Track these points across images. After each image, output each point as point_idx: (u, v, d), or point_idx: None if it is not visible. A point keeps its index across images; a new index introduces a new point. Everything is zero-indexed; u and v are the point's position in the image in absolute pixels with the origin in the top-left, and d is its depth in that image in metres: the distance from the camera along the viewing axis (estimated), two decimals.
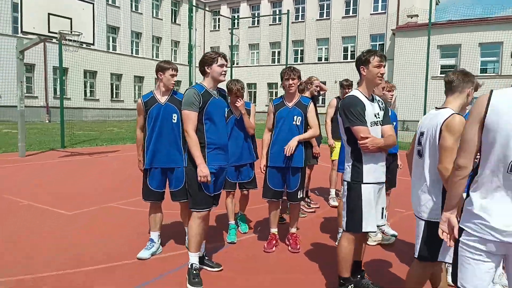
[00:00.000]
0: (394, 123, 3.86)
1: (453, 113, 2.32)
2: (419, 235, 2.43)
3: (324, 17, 32.55)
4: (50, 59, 23.66)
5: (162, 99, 3.70)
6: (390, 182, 4.04)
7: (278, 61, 34.66)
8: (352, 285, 2.97)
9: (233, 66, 20.98)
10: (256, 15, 35.48)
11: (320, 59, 33.04)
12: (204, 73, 3.26)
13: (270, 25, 34.76)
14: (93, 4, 10.17)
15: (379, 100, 3.04)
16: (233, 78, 4.29)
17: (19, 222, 4.79)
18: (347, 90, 5.56)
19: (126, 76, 30.06)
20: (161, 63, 3.70)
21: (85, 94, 27.98)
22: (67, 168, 8.75)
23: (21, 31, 8.49)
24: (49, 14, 8.82)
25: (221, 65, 3.22)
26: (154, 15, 33.26)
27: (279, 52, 34.84)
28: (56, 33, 8.97)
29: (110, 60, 27.55)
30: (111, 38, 29.72)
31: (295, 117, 3.90)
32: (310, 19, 32.95)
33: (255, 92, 35.98)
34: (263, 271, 3.54)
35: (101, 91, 28.41)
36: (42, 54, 23.33)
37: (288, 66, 4.31)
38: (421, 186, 2.42)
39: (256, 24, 36.00)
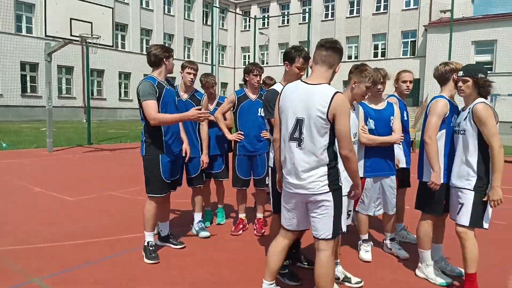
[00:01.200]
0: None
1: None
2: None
3: (354, 14, 32.15)
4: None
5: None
6: (403, 182, 4.15)
7: None
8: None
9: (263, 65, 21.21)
10: (286, 14, 35.62)
11: (349, 57, 32.63)
12: (158, 65, 3.58)
13: (299, 24, 34.75)
14: (113, 8, 10.86)
15: None
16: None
17: (24, 204, 5.36)
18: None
19: None
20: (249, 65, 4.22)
21: (120, 95, 29.34)
22: (85, 162, 9.45)
23: (45, 35, 9.27)
24: (71, 18, 9.54)
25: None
26: (186, 17, 34.20)
27: (308, 51, 34.79)
28: (77, 36, 9.69)
29: (143, 61, 28.66)
30: (144, 41, 30.93)
31: (259, 109, 4.17)
32: (339, 17, 32.66)
33: None
34: (223, 249, 3.85)
35: (134, 92, 29.64)
36: (80, 57, 24.74)
37: (252, 62, 4.54)
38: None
39: (286, 24, 36.13)
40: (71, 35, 9.59)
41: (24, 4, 23.14)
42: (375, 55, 31.48)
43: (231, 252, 3.82)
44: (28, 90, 23.80)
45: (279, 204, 2.76)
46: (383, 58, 30.69)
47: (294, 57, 3.14)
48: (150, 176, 3.54)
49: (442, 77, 3.33)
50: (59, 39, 9.70)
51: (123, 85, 29.71)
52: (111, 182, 7.09)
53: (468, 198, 2.95)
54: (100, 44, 10.16)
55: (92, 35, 9.93)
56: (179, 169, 3.83)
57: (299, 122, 2.45)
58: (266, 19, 36.90)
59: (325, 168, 2.44)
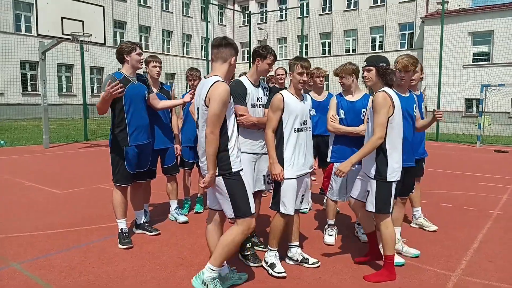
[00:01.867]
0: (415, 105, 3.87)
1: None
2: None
3: (352, 7, 32.12)
4: (87, 59, 25.29)
5: None
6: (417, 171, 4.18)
7: (306, 54, 34.65)
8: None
9: (250, 61, 21.35)
10: (284, 8, 35.62)
11: (347, 50, 32.68)
12: (122, 61, 3.81)
13: (297, 18, 34.74)
14: (103, 7, 11.03)
15: (265, 87, 3.51)
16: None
17: (13, 197, 5.59)
18: None
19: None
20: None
21: None
22: (80, 158, 9.68)
23: (37, 34, 9.48)
24: (62, 17, 9.73)
25: (139, 54, 3.83)
26: (184, 14, 34.30)
27: (306, 45, 34.81)
28: (69, 35, 9.88)
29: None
30: (143, 38, 31.09)
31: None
32: (337, 11, 32.65)
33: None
34: (195, 235, 4.06)
35: None
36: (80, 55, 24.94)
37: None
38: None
39: (284, 18, 36.15)
40: (62, 34, 9.78)
41: (23, 3, 23.40)
42: (373, 48, 31.45)
43: (201, 237, 4.03)
44: (29, 88, 24.11)
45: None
46: (381, 50, 30.67)
47: (266, 54, 3.37)
48: (115, 167, 3.78)
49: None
50: (51, 38, 9.90)
51: None
52: (102, 176, 7.31)
53: (372, 186, 3.14)
54: (92, 42, 10.35)
55: (83, 33, 10.13)
56: (147, 161, 4.03)
57: (198, 111, 2.80)
58: (264, 14, 36.96)
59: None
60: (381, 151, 3.09)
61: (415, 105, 3.60)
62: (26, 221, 4.56)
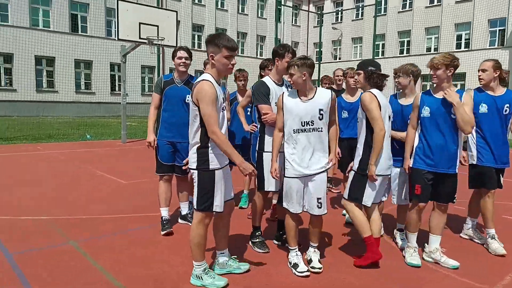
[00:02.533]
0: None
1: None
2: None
3: (435, 3, 30.13)
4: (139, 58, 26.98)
5: None
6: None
7: (382, 54, 33.30)
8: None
9: (321, 62, 21.13)
10: (360, 7, 34.58)
11: (429, 49, 30.73)
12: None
13: (373, 16, 33.49)
14: (177, 12, 11.78)
15: (288, 85, 3.61)
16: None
17: (85, 184, 6.30)
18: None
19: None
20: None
21: None
22: (150, 152, 10.48)
23: (118, 39, 10.46)
24: (140, 23, 10.63)
25: (179, 57, 4.16)
26: (259, 15, 34.95)
27: (383, 45, 33.45)
28: (145, 39, 10.76)
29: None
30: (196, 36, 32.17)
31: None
32: (417, 7, 30.88)
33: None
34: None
35: None
36: (155, 57, 26.84)
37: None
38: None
39: (360, 17, 35.06)
40: (139, 38, 10.67)
41: (112, 10, 25.87)
42: (458, 46, 29.20)
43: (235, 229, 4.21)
44: (116, 88, 26.50)
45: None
46: (467, 49, 28.39)
47: (283, 53, 3.45)
48: (156, 157, 4.27)
49: None
50: (130, 42, 10.86)
51: None
52: None
53: (351, 176, 3.45)
54: (165, 45, 11.14)
55: (158, 37, 10.94)
56: (176, 156, 4.27)
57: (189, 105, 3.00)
58: (340, 13, 36.24)
59: (195, 149, 2.90)
60: (368, 148, 3.31)
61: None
62: (90, 206, 5.14)
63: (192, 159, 2.94)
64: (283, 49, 3.46)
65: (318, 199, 3.23)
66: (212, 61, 2.86)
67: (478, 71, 3.97)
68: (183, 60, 4.13)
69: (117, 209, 4.99)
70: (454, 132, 3.37)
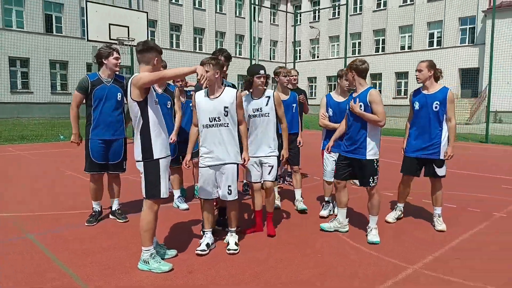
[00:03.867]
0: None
1: None
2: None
3: (408, 2, 30.89)
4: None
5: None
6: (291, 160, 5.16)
7: (359, 52, 33.92)
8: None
9: (295, 61, 21.50)
10: (336, 6, 35.13)
11: (403, 47, 31.50)
12: (101, 64, 4.25)
13: (350, 15, 34.07)
14: (147, 13, 11.92)
15: (228, 85, 3.95)
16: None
17: (51, 183, 6.45)
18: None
19: None
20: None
21: None
22: None
23: (87, 40, 10.55)
24: (109, 24, 10.73)
25: (116, 58, 4.23)
26: (237, 15, 35.12)
27: (359, 43, 34.07)
28: (115, 39, 10.86)
29: (197, 60, 30.05)
30: (197, 39, 32.37)
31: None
32: (391, 6, 31.60)
33: (315, 86, 36.48)
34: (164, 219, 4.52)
35: None
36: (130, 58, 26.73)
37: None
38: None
39: (336, 16, 35.59)
40: (110, 39, 10.78)
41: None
42: (431, 44, 30.05)
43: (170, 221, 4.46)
44: None
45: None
46: (439, 47, 29.23)
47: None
48: (85, 156, 4.41)
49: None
50: (100, 43, 10.95)
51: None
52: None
53: (275, 162, 4.08)
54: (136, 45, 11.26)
55: (128, 38, 11.06)
56: (111, 154, 4.40)
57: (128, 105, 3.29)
58: (317, 12, 36.74)
59: (137, 141, 3.21)
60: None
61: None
62: (52, 203, 5.32)
63: (137, 152, 3.22)
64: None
65: (228, 186, 3.62)
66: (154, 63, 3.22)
67: (416, 71, 4.42)
68: (119, 61, 4.25)
69: (81, 205, 5.17)
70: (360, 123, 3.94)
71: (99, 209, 4.55)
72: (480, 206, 5.36)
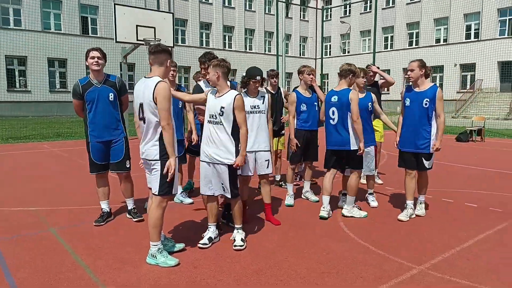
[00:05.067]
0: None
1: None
2: None
3: None
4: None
5: None
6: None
7: (391, 46, 33.04)
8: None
9: (323, 57, 21.26)
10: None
11: (438, 40, 30.42)
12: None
13: (383, 9, 33.30)
14: (173, 13, 12.19)
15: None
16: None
17: (79, 178, 6.78)
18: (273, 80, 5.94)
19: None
20: None
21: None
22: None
23: (116, 41, 10.93)
24: (136, 25, 11.08)
25: (92, 57, 4.17)
26: (266, 12, 35.11)
27: (392, 37, 33.17)
28: (142, 40, 11.20)
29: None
30: (227, 37, 32.65)
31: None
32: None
33: None
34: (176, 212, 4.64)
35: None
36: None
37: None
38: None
39: (368, 10, 34.84)
40: (137, 40, 11.13)
41: None
42: (467, 36, 28.83)
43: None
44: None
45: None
46: (476, 39, 28.02)
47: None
48: (88, 158, 4.48)
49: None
50: (128, 44, 11.34)
51: (182, 79, 30.54)
52: None
53: (269, 156, 4.37)
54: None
55: (155, 39, 11.37)
56: (112, 154, 4.44)
57: (141, 106, 3.33)
58: (348, 6, 36.11)
59: (156, 141, 3.29)
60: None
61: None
62: (80, 197, 5.60)
63: (154, 152, 3.33)
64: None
65: (221, 184, 3.74)
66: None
67: (407, 71, 4.62)
68: (96, 59, 4.17)
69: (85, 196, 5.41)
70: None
71: (108, 210, 4.60)
72: (503, 206, 5.16)
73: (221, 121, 3.64)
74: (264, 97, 4.33)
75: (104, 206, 4.60)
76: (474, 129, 12.97)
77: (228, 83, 3.86)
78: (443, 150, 10.66)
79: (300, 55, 38.07)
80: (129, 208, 4.72)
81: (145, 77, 3.42)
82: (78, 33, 25.53)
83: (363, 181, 6.12)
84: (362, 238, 4.02)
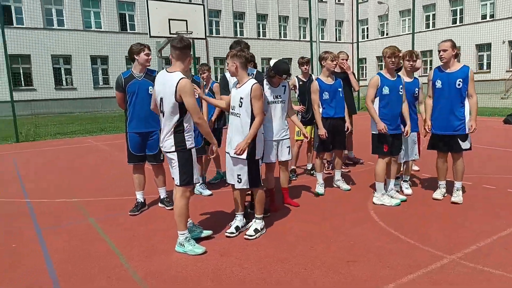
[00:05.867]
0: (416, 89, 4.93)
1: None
2: None
3: None
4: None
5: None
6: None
7: (433, 25, 31.43)
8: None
9: (359, 41, 20.60)
10: None
11: (484, 16, 28.56)
12: (133, 60, 4.46)
13: None
14: (204, 5, 12.25)
15: (250, 75, 4.09)
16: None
17: (118, 170, 7.08)
18: (305, 67, 5.86)
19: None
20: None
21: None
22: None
23: (150, 36, 11.17)
24: (169, 19, 11.26)
25: (147, 54, 4.41)
26: None
27: (433, 15, 31.55)
28: (175, 33, 11.37)
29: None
30: (238, 24, 32.01)
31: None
32: None
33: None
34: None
35: None
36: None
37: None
38: None
39: None
40: (170, 33, 11.31)
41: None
42: (483, 17, 26.82)
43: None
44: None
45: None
46: (491, 19, 26.01)
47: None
48: (127, 148, 4.68)
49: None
50: (162, 37, 11.57)
51: (218, 70, 30.59)
52: None
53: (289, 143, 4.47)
54: (195, 38, 11.75)
55: (187, 31, 11.51)
56: (148, 146, 4.63)
57: (161, 100, 3.39)
58: None
59: (170, 134, 3.40)
60: None
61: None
62: (118, 189, 5.86)
63: (169, 143, 3.43)
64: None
65: (238, 175, 3.76)
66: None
67: (439, 51, 4.42)
68: (150, 57, 4.47)
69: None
70: None
71: (142, 200, 4.78)
72: None
73: (238, 113, 3.68)
74: (285, 86, 4.35)
75: (139, 196, 4.79)
76: None
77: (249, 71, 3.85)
78: (489, 132, 10.17)
79: (336, 39, 37.16)
80: (161, 197, 4.90)
81: (166, 70, 3.47)
82: (117, 30, 26.37)
83: (415, 167, 6.19)
84: (392, 227, 3.93)
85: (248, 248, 3.54)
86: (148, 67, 4.57)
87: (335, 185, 5.44)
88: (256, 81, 3.66)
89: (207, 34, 12.68)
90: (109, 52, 25.46)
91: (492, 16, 28.00)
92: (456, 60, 4.47)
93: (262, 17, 32.84)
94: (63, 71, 25.46)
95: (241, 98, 3.64)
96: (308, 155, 6.30)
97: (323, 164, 5.48)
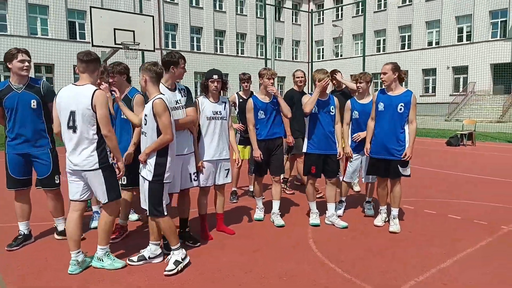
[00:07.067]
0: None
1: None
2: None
3: None
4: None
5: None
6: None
7: (384, 50, 32.85)
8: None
9: (314, 61, 20.94)
10: (360, 2, 34.18)
11: (430, 43, 30.23)
12: (8, 69, 3.66)
13: (374, 12, 33.13)
14: (153, 17, 11.80)
15: (182, 89, 3.76)
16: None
17: None
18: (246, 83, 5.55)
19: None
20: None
21: (195, 94, 31.20)
22: None
23: (92, 45, 10.52)
24: (114, 29, 10.68)
25: (21, 61, 3.62)
26: (258, 15, 34.86)
27: (384, 40, 32.99)
28: (120, 44, 10.80)
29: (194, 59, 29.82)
30: (194, 39, 31.80)
31: None
32: (417, 1, 30.40)
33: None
34: None
35: None
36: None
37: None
38: None
39: (360, 13, 34.63)
40: (115, 44, 10.73)
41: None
42: (460, 39, 28.66)
43: None
44: None
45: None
46: (469, 41, 27.84)
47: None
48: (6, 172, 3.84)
49: None
50: (106, 48, 10.95)
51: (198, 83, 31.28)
52: None
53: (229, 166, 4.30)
54: (143, 50, 11.23)
55: (134, 42, 10.98)
56: (37, 169, 3.85)
57: (72, 114, 3.12)
58: (340, 10, 35.92)
59: (93, 151, 3.17)
60: None
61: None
62: None
63: (93, 161, 3.21)
64: (175, 57, 3.66)
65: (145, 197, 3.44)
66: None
67: (380, 74, 4.34)
68: (26, 63, 3.66)
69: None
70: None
71: (26, 232, 3.95)
72: (488, 218, 4.79)
73: (146, 131, 3.32)
74: (225, 102, 4.15)
75: (22, 227, 3.92)
76: (465, 133, 12.65)
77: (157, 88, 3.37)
78: (432, 155, 10.41)
79: (292, 58, 37.77)
80: (59, 230, 4.10)
81: (73, 84, 3.27)
82: (65, 38, 25.13)
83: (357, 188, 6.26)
84: (330, 258, 3.64)
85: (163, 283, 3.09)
86: (31, 77, 3.81)
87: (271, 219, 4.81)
88: (160, 97, 3.23)
89: (163, 47, 12.18)
90: (56, 61, 24.13)
91: (437, 43, 29.67)
92: (400, 83, 4.34)
93: (220, 33, 32.73)
94: (2, 78, 23.74)
95: (145, 115, 3.31)
96: (250, 177, 5.97)
97: (315, 191, 4.84)
